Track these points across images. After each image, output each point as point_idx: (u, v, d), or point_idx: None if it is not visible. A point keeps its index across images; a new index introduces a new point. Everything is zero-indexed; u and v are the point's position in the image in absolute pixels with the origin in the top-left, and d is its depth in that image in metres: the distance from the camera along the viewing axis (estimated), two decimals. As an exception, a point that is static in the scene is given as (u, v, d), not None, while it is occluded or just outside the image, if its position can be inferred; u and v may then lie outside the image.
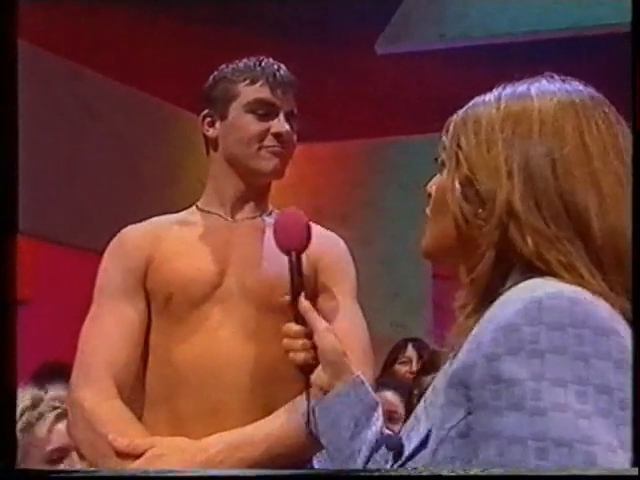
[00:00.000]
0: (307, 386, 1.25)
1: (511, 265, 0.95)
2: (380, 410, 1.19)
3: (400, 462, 1.02)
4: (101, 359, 1.60)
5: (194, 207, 1.77)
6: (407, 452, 1.01)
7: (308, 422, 1.21)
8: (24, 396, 1.93)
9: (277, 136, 1.69)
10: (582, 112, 0.97)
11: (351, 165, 5.73)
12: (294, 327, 1.29)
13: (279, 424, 1.55)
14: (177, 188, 4.85)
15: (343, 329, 1.62)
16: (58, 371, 3.58)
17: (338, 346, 1.25)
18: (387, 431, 1.17)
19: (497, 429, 0.86)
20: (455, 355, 0.96)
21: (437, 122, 1.07)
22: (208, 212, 1.74)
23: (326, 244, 1.73)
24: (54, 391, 1.95)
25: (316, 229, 1.77)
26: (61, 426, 1.86)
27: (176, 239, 1.69)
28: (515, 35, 4.16)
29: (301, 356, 1.26)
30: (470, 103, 1.02)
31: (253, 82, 1.71)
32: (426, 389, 1.04)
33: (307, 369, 1.25)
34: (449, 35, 4.35)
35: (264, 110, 1.70)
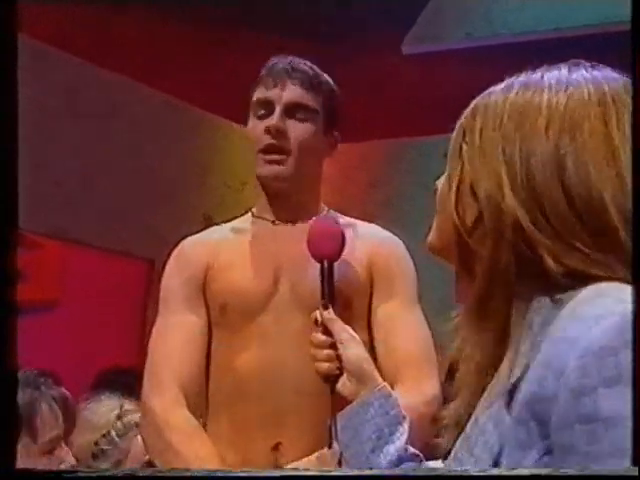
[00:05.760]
0: (331, 396, 1.25)
1: (530, 274, 0.82)
2: (407, 426, 1.14)
3: None
4: (169, 370, 1.63)
5: (249, 213, 1.75)
6: None
7: (331, 434, 1.20)
8: (108, 404, 2.12)
9: (268, 132, 1.61)
10: (605, 101, 0.84)
11: (373, 166, 5.72)
12: (319, 337, 1.29)
13: None
14: (203, 192, 4.86)
15: (403, 339, 1.60)
16: (114, 377, 3.64)
17: (363, 354, 1.25)
18: (412, 449, 1.13)
19: None
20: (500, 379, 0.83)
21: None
22: (259, 217, 1.71)
23: (382, 246, 1.67)
24: (128, 405, 2.13)
25: (374, 229, 1.73)
26: None
27: (230, 248, 1.68)
28: (540, 33, 4.13)
29: (325, 366, 1.27)
30: (484, 92, 0.91)
31: (258, 84, 1.67)
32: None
33: (331, 379, 1.26)
34: (476, 34, 4.32)
35: (262, 110, 1.65)
